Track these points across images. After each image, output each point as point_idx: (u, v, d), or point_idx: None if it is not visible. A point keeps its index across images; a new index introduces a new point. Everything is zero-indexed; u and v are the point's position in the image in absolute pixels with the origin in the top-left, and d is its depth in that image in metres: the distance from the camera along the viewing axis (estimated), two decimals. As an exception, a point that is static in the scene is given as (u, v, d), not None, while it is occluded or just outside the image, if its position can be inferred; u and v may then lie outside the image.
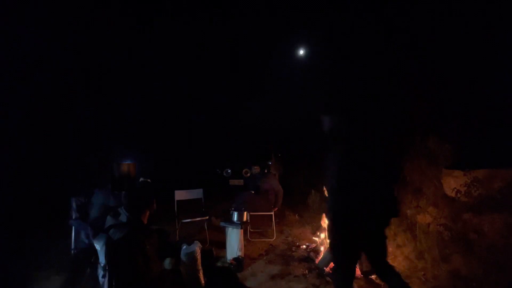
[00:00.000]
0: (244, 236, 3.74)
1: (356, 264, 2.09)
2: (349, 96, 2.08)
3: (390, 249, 3.54)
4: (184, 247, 2.56)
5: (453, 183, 3.82)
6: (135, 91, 9.24)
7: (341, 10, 7.45)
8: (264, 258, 3.59)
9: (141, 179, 3.20)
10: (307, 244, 3.91)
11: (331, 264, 2.36)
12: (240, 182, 6.29)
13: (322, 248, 3.47)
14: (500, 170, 3.56)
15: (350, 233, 1.87)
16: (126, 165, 2.45)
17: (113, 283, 1.82)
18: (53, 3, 6.98)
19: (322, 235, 3.62)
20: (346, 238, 1.89)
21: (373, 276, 2.95)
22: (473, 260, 2.83)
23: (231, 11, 9.14)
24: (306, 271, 3.13)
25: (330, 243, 2.03)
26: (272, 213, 4.34)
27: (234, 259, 3.34)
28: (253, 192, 4.47)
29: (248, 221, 3.76)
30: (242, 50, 9.84)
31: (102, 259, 2.62)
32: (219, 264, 3.41)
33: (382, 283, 2.84)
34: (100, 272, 2.65)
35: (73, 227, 3.31)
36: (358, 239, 1.89)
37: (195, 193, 4.49)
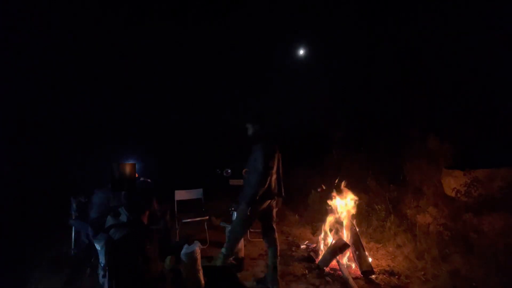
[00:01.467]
0: (244, 236, 3.74)
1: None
2: (263, 113, 3.05)
3: (390, 249, 3.55)
4: (185, 247, 2.55)
5: (453, 183, 3.82)
6: (135, 91, 9.24)
7: (340, 12, 7.46)
8: (264, 258, 3.59)
9: (141, 179, 3.20)
10: (307, 244, 3.91)
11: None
12: (240, 182, 6.25)
13: (322, 248, 3.47)
14: (500, 170, 3.56)
15: (262, 203, 2.73)
16: (126, 165, 2.45)
17: (113, 283, 1.82)
18: (54, 2, 6.98)
19: (324, 233, 3.62)
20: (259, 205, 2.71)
21: (373, 276, 2.95)
22: (473, 260, 2.83)
23: (231, 12, 9.14)
24: (306, 271, 3.13)
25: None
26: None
27: (234, 259, 3.34)
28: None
29: (248, 221, 3.75)
30: (242, 50, 9.84)
31: (102, 259, 2.62)
32: (219, 264, 3.40)
33: (382, 284, 2.85)
34: (100, 272, 2.65)
35: (73, 227, 3.31)
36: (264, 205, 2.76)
37: (195, 193, 4.48)
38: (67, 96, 7.78)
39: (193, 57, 9.66)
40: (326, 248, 3.36)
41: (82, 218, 3.16)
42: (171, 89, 9.68)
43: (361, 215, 4.12)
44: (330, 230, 3.52)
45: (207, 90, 9.86)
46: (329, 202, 3.69)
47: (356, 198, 3.57)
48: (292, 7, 8.54)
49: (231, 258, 3.35)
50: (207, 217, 4.15)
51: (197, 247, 2.57)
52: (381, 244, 3.70)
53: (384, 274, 3.00)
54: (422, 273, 2.93)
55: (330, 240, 3.40)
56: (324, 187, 3.76)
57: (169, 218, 3.59)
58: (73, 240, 3.30)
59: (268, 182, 2.69)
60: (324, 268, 3.11)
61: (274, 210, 2.96)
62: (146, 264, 1.85)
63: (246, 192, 2.71)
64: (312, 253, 3.49)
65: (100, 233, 2.58)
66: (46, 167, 6.35)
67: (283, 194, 2.98)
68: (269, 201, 2.80)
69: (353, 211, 3.54)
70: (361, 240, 3.29)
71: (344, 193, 3.65)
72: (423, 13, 5.71)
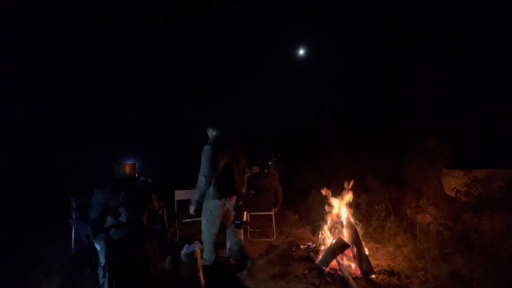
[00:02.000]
0: (244, 236, 3.73)
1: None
2: (222, 117, 3.30)
3: (390, 249, 3.55)
4: (185, 247, 2.55)
5: (453, 183, 3.82)
6: (135, 91, 9.24)
7: (341, 12, 7.46)
8: (264, 258, 3.59)
9: (141, 178, 3.20)
10: (307, 244, 3.91)
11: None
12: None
13: (322, 248, 3.47)
14: (500, 170, 3.56)
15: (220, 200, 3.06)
16: (126, 165, 2.45)
17: (113, 283, 1.82)
18: (54, 2, 6.98)
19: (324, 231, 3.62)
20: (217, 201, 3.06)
21: (373, 276, 2.95)
22: (473, 260, 2.82)
23: (232, 12, 9.14)
24: (306, 271, 3.13)
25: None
26: (272, 213, 4.33)
27: (234, 259, 3.33)
28: (253, 192, 4.46)
29: (248, 221, 3.75)
30: (243, 50, 9.84)
31: (102, 259, 2.61)
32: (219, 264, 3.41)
33: (382, 284, 2.85)
34: (100, 272, 2.65)
35: (73, 227, 3.31)
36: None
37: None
38: (67, 96, 7.78)
39: (193, 57, 9.67)
40: (326, 248, 3.36)
41: (82, 218, 3.17)
42: (171, 89, 9.68)
43: (361, 215, 4.12)
44: (330, 230, 3.52)
45: (207, 90, 9.86)
46: (330, 201, 3.69)
47: (354, 197, 3.59)
48: (293, 6, 8.54)
49: (231, 258, 3.35)
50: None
51: (197, 247, 2.57)
52: (381, 244, 3.69)
53: (384, 274, 3.00)
54: (422, 273, 2.93)
55: (330, 240, 3.40)
56: (326, 191, 3.82)
57: (166, 217, 3.60)
58: (73, 240, 3.30)
59: (212, 182, 2.95)
60: (324, 268, 3.11)
61: (230, 210, 3.19)
62: (146, 264, 1.84)
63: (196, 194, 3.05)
64: (312, 253, 3.49)
65: (100, 233, 2.58)
66: (46, 167, 6.35)
67: (240, 193, 3.22)
68: (223, 199, 3.07)
69: (352, 211, 3.54)
70: (361, 240, 3.29)
71: (344, 193, 3.65)
72: (424, 13, 5.71)
